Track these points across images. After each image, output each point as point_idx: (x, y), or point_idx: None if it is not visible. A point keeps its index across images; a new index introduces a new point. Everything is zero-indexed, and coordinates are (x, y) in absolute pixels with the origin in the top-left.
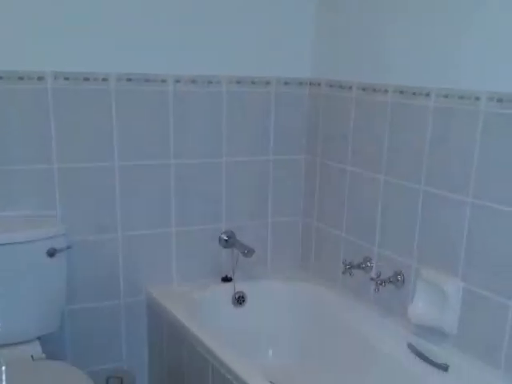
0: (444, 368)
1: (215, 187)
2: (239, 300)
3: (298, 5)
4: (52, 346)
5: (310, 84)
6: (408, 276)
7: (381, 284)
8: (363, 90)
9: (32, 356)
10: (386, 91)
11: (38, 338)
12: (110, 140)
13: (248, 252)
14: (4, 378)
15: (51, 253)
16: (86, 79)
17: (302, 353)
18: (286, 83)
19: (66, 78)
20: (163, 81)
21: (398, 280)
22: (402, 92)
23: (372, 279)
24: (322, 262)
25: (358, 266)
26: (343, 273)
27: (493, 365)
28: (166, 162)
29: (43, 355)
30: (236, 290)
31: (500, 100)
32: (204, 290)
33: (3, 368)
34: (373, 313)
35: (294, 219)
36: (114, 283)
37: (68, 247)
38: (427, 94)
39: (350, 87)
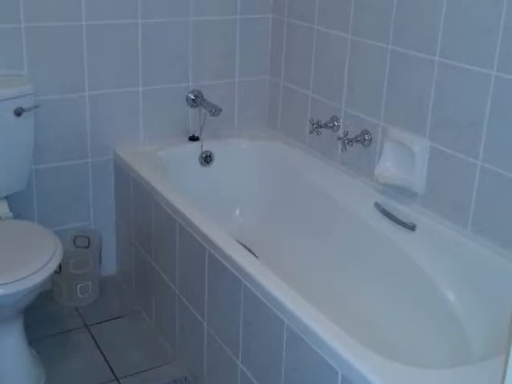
0: (411, 227)
1: (182, 47)
2: (206, 159)
3: None
4: (19, 206)
5: None
6: (375, 135)
7: (348, 143)
8: None
9: None
10: None
11: (6, 198)
12: None
13: (215, 111)
14: None
15: (18, 112)
16: None
17: (269, 212)
18: None
19: None
20: None
21: (365, 139)
22: None
23: (339, 138)
24: (289, 122)
25: (326, 126)
26: (310, 132)
27: (460, 224)
28: (133, 21)
29: (10, 214)
30: (203, 150)
31: None
32: (171, 148)
33: None
34: (340, 172)
35: (261, 78)
36: (82, 142)
37: (35, 106)
38: None
39: None
